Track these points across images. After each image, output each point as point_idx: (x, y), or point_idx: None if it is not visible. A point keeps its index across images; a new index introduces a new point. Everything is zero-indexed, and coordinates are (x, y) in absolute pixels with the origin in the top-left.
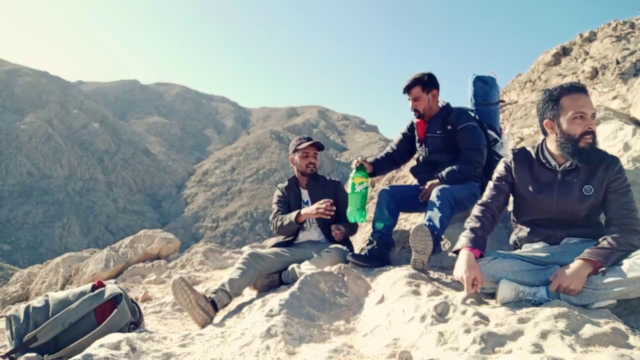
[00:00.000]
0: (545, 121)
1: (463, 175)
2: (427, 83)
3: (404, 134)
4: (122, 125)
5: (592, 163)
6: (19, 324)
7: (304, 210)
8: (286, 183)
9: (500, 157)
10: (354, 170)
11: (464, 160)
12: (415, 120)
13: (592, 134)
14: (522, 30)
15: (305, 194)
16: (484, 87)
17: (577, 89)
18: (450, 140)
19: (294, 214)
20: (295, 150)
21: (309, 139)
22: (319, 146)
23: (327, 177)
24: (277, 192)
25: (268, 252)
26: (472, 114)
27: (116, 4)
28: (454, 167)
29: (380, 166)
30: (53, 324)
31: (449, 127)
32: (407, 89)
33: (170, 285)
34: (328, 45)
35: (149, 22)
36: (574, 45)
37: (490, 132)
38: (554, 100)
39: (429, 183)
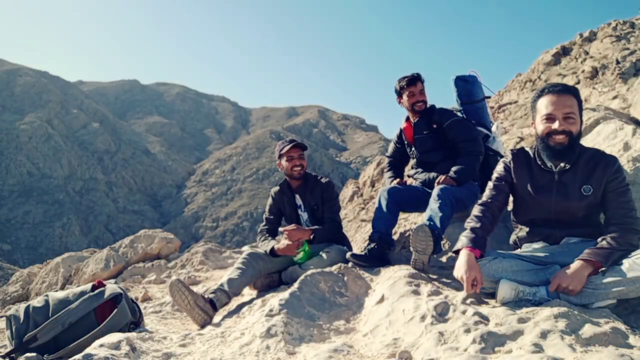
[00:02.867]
0: (532, 123)
1: (471, 168)
2: (423, 81)
3: (395, 142)
4: (122, 125)
5: (566, 161)
6: (19, 324)
7: (277, 246)
8: (278, 188)
9: (493, 151)
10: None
11: (465, 153)
12: (402, 126)
13: (563, 133)
14: (522, 30)
15: (298, 198)
16: (466, 86)
17: (550, 91)
18: (438, 139)
19: (269, 246)
20: (280, 155)
21: (291, 142)
22: (302, 146)
23: (318, 177)
24: (270, 200)
25: None
26: (460, 114)
27: (116, 4)
28: (459, 165)
29: (401, 176)
30: (53, 324)
31: (435, 126)
32: (414, 82)
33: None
34: (328, 45)
35: (148, 22)
36: (574, 45)
37: (480, 128)
38: (533, 103)
39: (443, 177)
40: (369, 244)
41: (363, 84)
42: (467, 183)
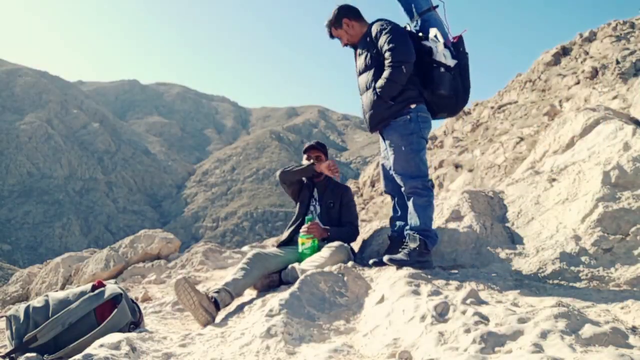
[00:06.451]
0: None
1: (394, 80)
2: (335, 21)
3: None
4: (122, 125)
5: None
6: (19, 324)
7: (321, 166)
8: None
9: (442, 65)
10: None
11: (388, 64)
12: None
13: None
14: (522, 30)
15: (316, 191)
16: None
17: None
18: (372, 57)
19: (308, 162)
20: (303, 153)
21: (316, 143)
22: (320, 149)
23: (339, 181)
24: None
25: (272, 251)
26: (414, 30)
27: (116, 4)
28: (380, 80)
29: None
30: (53, 324)
31: (368, 39)
32: (330, 36)
33: (171, 285)
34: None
35: (148, 22)
36: (574, 45)
37: (424, 42)
38: None
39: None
40: (403, 247)
41: None
42: (402, 127)
